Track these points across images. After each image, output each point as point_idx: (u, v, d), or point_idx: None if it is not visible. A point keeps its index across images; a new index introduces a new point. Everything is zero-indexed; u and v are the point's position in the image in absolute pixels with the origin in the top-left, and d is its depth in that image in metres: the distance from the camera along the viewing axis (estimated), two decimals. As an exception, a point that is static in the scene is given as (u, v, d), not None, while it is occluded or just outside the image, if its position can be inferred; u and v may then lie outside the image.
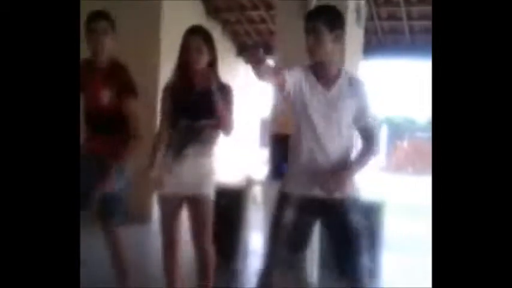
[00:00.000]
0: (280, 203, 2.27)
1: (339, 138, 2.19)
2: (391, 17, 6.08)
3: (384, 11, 5.96)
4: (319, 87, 2.17)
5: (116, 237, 2.81)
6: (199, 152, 2.55)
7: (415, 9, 5.82)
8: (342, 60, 3.95)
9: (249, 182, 4.45)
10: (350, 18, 4.18)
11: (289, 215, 2.21)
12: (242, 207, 4.20)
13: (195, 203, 2.58)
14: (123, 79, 2.71)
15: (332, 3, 3.95)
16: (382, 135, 21.01)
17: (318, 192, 2.17)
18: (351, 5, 4.17)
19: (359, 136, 2.27)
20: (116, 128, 2.72)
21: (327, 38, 2.12)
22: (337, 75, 2.20)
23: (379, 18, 6.08)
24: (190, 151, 2.52)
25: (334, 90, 2.17)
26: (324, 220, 2.27)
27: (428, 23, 5.99)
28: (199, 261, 2.66)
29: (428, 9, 5.71)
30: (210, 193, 2.58)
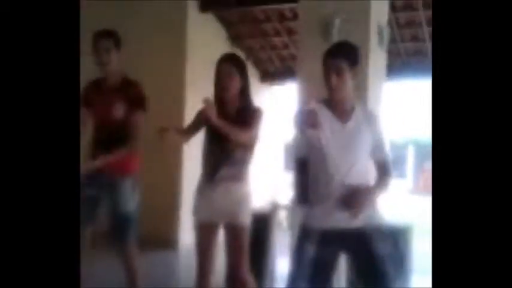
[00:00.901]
0: (302, 237, 2.25)
1: (357, 171, 2.17)
2: (414, 38, 6.04)
3: (407, 32, 5.93)
4: (335, 121, 2.18)
5: (130, 259, 2.79)
6: (233, 176, 2.53)
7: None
8: (364, 87, 3.94)
9: (275, 207, 4.41)
10: (373, 40, 4.16)
11: (312, 249, 2.19)
12: (268, 232, 4.16)
13: (232, 231, 2.55)
14: (132, 93, 2.75)
15: (354, 26, 3.98)
16: (409, 157, 20.67)
17: (338, 224, 2.14)
18: (373, 28, 4.16)
19: (375, 167, 2.27)
20: (125, 144, 2.74)
21: (348, 75, 2.14)
22: (352, 110, 2.22)
23: (402, 40, 6.05)
24: (223, 173, 2.50)
25: (351, 123, 2.19)
26: (348, 251, 2.24)
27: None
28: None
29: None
30: (247, 221, 2.55)
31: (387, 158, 2.27)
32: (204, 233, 2.60)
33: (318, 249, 2.17)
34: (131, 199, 2.78)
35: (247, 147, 2.54)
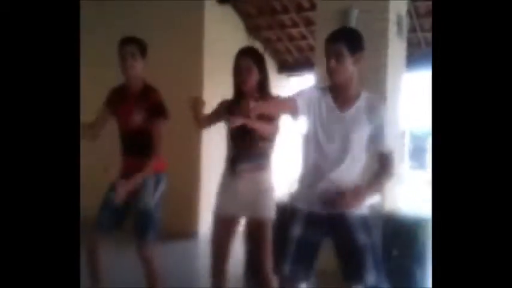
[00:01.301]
0: (290, 217, 2.27)
1: (350, 160, 2.16)
2: (434, 28, 5.96)
3: (427, 22, 5.84)
4: (335, 108, 2.19)
5: (149, 255, 2.80)
6: (256, 167, 2.52)
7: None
8: (383, 77, 3.90)
9: (292, 196, 4.42)
10: (392, 30, 4.12)
11: (298, 229, 2.23)
12: (286, 221, 4.17)
13: (255, 225, 2.53)
14: (154, 102, 2.76)
15: (372, 16, 3.94)
16: (429, 149, 20.44)
17: (324, 210, 2.16)
18: (392, 18, 4.11)
19: (375, 159, 2.23)
20: (147, 149, 2.74)
21: (348, 60, 2.13)
22: (356, 98, 2.20)
23: (422, 29, 5.96)
24: (245, 165, 2.50)
25: (350, 112, 2.18)
26: (331, 236, 2.24)
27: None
28: (258, 286, 2.59)
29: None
30: (271, 214, 2.53)
31: (388, 150, 2.20)
32: (223, 227, 2.60)
33: (303, 230, 2.21)
34: (152, 196, 2.79)
35: (269, 139, 2.53)
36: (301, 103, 2.18)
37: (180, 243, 5.04)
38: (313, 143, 2.22)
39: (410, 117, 7.81)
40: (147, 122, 2.73)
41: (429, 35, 6.06)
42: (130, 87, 2.81)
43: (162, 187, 2.85)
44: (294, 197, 2.34)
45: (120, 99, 2.84)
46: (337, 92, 2.21)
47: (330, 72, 2.16)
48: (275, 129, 2.52)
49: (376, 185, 2.20)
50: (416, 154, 18.70)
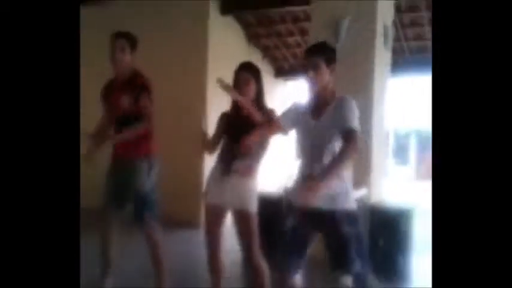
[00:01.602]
0: (286, 211, 2.31)
1: (329, 155, 2.18)
2: (417, 37, 5.98)
3: (410, 31, 5.88)
4: (310, 119, 2.26)
5: (153, 237, 2.80)
6: (245, 171, 2.55)
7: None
8: (370, 82, 3.93)
9: (286, 191, 4.45)
10: (378, 39, 4.14)
11: (292, 222, 2.26)
12: (280, 214, 4.19)
13: (241, 217, 2.57)
14: (139, 82, 2.77)
15: (361, 26, 3.95)
16: (411, 146, 20.44)
17: (314, 204, 2.15)
18: (379, 28, 4.13)
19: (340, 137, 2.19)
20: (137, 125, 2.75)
21: (325, 71, 2.21)
22: (329, 103, 2.23)
23: (406, 39, 5.99)
24: (237, 166, 2.53)
25: (323, 118, 2.22)
26: (321, 230, 2.24)
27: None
28: (251, 270, 2.63)
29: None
30: (254, 208, 2.57)
31: (349, 126, 2.12)
32: (212, 218, 2.65)
33: (297, 223, 2.24)
34: (148, 179, 2.78)
35: (261, 146, 2.56)
36: (284, 122, 2.33)
37: (183, 232, 5.05)
38: (301, 148, 2.29)
39: (394, 118, 7.84)
40: (135, 103, 2.72)
41: (413, 44, 6.11)
42: (118, 78, 2.81)
43: (156, 170, 2.83)
44: (289, 192, 2.36)
45: (110, 91, 2.85)
46: (315, 103, 2.27)
47: (309, 82, 2.24)
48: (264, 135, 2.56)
49: (339, 161, 2.09)
50: (399, 151, 18.74)
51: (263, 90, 2.65)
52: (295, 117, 2.32)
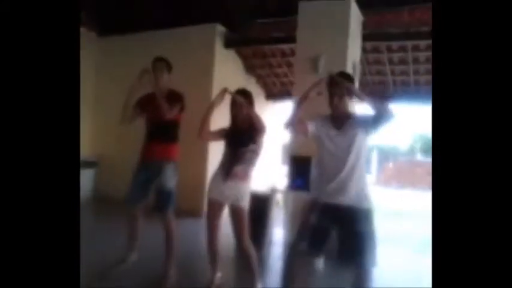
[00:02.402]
0: (309, 207, 2.23)
1: (352, 160, 2.15)
2: (379, 73, 6.04)
3: (374, 68, 5.93)
4: (333, 129, 2.21)
5: (170, 225, 2.79)
6: (242, 175, 2.56)
7: (397, 68, 5.78)
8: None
9: (274, 191, 4.44)
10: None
11: (314, 218, 2.17)
12: (268, 209, 4.17)
13: (235, 211, 2.57)
14: (178, 97, 2.81)
15: (335, 62, 3.97)
16: (373, 158, 20.57)
17: (334, 201, 2.12)
18: (349, 64, 4.17)
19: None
20: (167, 137, 2.80)
21: (347, 97, 2.19)
22: (347, 117, 2.22)
23: (370, 73, 6.04)
24: (235, 171, 2.53)
25: (344, 128, 2.19)
26: (338, 224, 2.16)
27: (406, 78, 5.93)
28: (242, 254, 2.63)
29: (406, 67, 5.65)
30: (247, 204, 2.58)
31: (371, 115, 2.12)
32: (212, 210, 2.64)
33: (318, 218, 2.16)
34: (172, 179, 2.79)
35: (254, 151, 2.57)
36: (310, 128, 2.24)
37: (190, 220, 5.01)
38: (325, 154, 2.21)
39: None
40: (173, 115, 2.75)
41: (375, 78, 6.16)
42: (157, 92, 2.78)
43: (177, 171, 2.85)
44: (314, 191, 2.29)
45: (148, 101, 2.82)
46: (335, 118, 2.24)
47: (334, 107, 2.20)
48: (259, 146, 2.60)
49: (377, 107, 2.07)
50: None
51: (254, 108, 2.65)
52: (320, 125, 2.24)
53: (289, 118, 2.26)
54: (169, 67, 2.88)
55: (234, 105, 2.61)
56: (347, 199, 2.10)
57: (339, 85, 2.17)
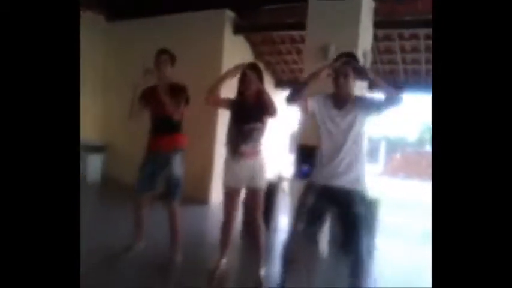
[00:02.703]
0: (306, 189, 2.25)
1: (350, 142, 2.15)
2: (390, 62, 5.94)
3: (385, 57, 5.84)
4: (333, 108, 2.20)
5: (174, 212, 2.83)
6: (251, 152, 2.52)
7: (409, 56, 5.67)
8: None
9: (280, 178, 4.45)
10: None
11: (311, 199, 2.19)
12: (274, 197, 4.20)
13: (251, 191, 2.58)
14: (182, 90, 2.80)
15: (341, 51, 3.92)
16: (381, 149, 20.46)
17: (333, 183, 2.13)
18: (360, 52, 4.11)
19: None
20: (171, 130, 2.79)
21: (352, 78, 2.17)
22: (349, 99, 2.20)
23: (381, 62, 5.95)
24: (243, 149, 2.49)
25: (345, 109, 2.18)
26: (336, 206, 2.19)
27: (418, 67, 5.83)
28: (252, 235, 2.65)
29: (418, 56, 5.55)
30: (263, 184, 2.58)
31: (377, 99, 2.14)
32: (230, 197, 2.63)
33: (316, 200, 2.18)
34: (180, 168, 2.81)
35: (260, 130, 2.54)
36: (310, 104, 2.22)
37: (196, 207, 5.06)
38: (325, 133, 2.21)
39: (369, 126, 7.82)
40: (175, 107, 2.73)
41: (386, 67, 6.07)
42: (160, 86, 2.79)
43: (184, 161, 2.86)
44: (313, 174, 2.29)
45: (152, 95, 2.82)
46: (337, 97, 2.22)
47: (338, 86, 2.18)
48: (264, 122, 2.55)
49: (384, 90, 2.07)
50: (371, 153, 18.75)
51: (263, 84, 2.59)
52: (321, 104, 2.23)
53: (293, 93, 2.21)
54: (173, 59, 2.84)
55: (243, 80, 2.54)
56: (343, 182, 2.12)
57: (345, 64, 2.14)
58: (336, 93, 2.22)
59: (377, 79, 2.10)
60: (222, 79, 2.56)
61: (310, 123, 2.30)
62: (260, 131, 2.55)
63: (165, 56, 2.80)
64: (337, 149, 2.15)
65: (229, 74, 2.54)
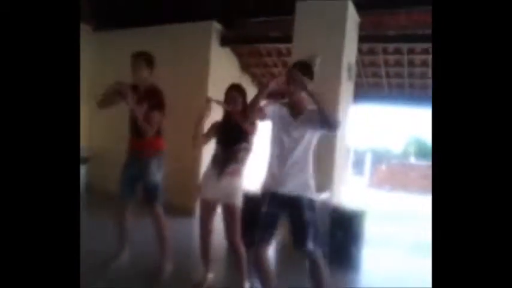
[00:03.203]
0: (261, 197, 2.30)
1: (300, 150, 2.20)
2: (374, 75, 6.06)
3: (369, 70, 5.95)
4: (288, 117, 2.25)
5: (159, 218, 2.78)
6: (235, 172, 2.54)
7: (392, 70, 5.80)
8: (335, 109, 3.95)
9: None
10: (344, 75, 4.17)
11: (264, 207, 2.25)
12: (260, 209, 4.16)
13: (228, 208, 2.56)
14: (156, 98, 2.75)
15: (330, 63, 3.98)
16: (367, 160, 20.64)
17: (281, 190, 2.19)
18: (345, 65, 4.17)
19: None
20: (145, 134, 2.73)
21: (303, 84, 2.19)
22: (303, 110, 2.25)
23: (365, 75, 6.06)
24: (229, 169, 2.52)
25: (299, 119, 2.23)
26: (286, 213, 2.24)
27: (401, 80, 5.96)
28: (232, 252, 2.63)
29: (401, 69, 5.67)
30: (240, 203, 2.57)
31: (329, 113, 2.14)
32: (206, 209, 2.63)
33: (268, 205, 2.24)
34: (158, 172, 2.78)
35: (247, 150, 2.55)
36: (268, 112, 2.27)
37: (181, 219, 4.98)
38: (277, 141, 2.26)
39: (354, 138, 7.91)
40: (148, 113, 2.69)
41: (370, 80, 6.18)
42: (138, 87, 2.78)
43: (162, 164, 2.82)
44: (263, 182, 2.34)
45: (132, 95, 2.76)
46: (292, 106, 2.27)
47: (290, 93, 2.23)
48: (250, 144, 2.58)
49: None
50: (357, 165, 18.90)
51: (247, 105, 2.59)
52: (276, 112, 2.28)
53: (251, 103, 2.27)
54: (150, 62, 2.78)
55: (227, 101, 2.57)
56: (291, 188, 2.18)
57: (289, 74, 2.22)
58: (289, 102, 2.29)
59: (315, 97, 2.11)
60: (198, 122, 2.57)
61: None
62: (246, 151, 2.57)
63: (139, 60, 2.75)
64: (286, 156, 2.21)
65: (204, 114, 2.56)
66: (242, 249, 2.58)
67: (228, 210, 2.55)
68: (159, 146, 2.83)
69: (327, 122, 2.11)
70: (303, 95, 2.21)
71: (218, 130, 2.63)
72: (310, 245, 2.13)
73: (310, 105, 2.25)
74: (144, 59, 2.76)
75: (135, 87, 2.79)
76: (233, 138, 2.54)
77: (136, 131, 2.76)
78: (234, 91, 2.59)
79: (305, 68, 2.24)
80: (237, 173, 2.56)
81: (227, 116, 2.60)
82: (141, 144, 2.76)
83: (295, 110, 2.25)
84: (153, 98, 2.73)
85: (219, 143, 2.62)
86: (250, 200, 2.64)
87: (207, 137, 2.67)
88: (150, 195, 2.76)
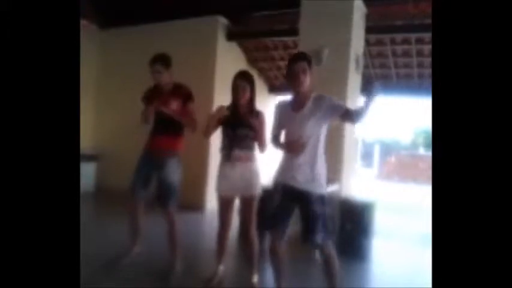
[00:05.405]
0: (273, 188, 2.31)
1: (309, 143, 2.21)
2: (382, 66, 6.00)
3: (377, 61, 5.89)
4: (292, 112, 2.27)
5: (171, 218, 2.78)
6: (245, 157, 2.52)
7: (400, 60, 5.73)
8: (343, 101, 3.93)
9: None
10: (351, 66, 4.14)
11: (277, 198, 2.26)
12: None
13: (245, 201, 2.56)
14: (185, 92, 2.81)
15: (338, 55, 3.95)
16: (375, 152, 20.52)
17: (293, 183, 2.20)
18: (352, 57, 4.14)
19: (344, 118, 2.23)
20: (174, 130, 2.79)
21: (306, 75, 2.20)
22: (307, 100, 2.24)
23: (373, 66, 6.00)
24: (236, 154, 2.49)
25: (302, 111, 2.23)
26: (297, 205, 2.26)
27: (409, 71, 5.89)
28: (246, 245, 2.64)
29: (409, 60, 5.61)
30: (257, 193, 2.56)
31: (346, 107, 2.22)
32: (224, 205, 2.61)
33: (281, 198, 2.25)
34: (176, 172, 2.77)
35: (252, 137, 2.55)
36: (275, 111, 2.38)
37: (191, 214, 5.03)
38: (285, 135, 2.31)
39: (363, 129, 7.86)
40: (182, 108, 2.75)
41: (378, 71, 6.12)
42: (162, 87, 2.82)
43: (181, 164, 2.83)
44: (275, 175, 2.36)
45: (155, 95, 2.82)
46: (296, 100, 2.28)
47: (300, 83, 2.19)
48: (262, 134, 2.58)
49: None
50: (366, 156, 18.81)
51: (255, 94, 2.62)
52: (282, 109, 2.34)
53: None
54: (167, 64, 2.81)
55: (235, 90, 2.55)
56: (300, 182, 2.19)
57: (302, 60, 2.20)
58: (294, 95, 2.30)
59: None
60: (211, 119, 2.56)
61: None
62: (252, 139, 2.55)
63: (157, 65, 2.77)
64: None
65: (215, 115, 2.55)
66: (256, 241, 2.59)
67: (245, 202, 2.55)
68: (179, 146, 2.85)
69: (359, 118, 2.14)
70: (308, 84, 2.21)
71: (228, 115, 2.60)
72: (318, 239, 2.14)
73: (314, 93, 2.27)
74: (161, 64, 2.78)
75: (159, 88, 2.82)
76: (239, 124, 2.52)
77: (161, 128, 2.79)
78: (242, 79, 2.55)
79: (307, 58, 2.26)
80: (249, 158, 2.53)
81: (236, 106, 2.58)
82: (163, 141, 2.77)
83: (298, 103, 2.26)
84: (183, 94, 2.79)
85: (226, 126, 2.58)
86: (264, 192, 2.65)
87: (217, 125, 2.66)
88: (165, 195, 2.76)
